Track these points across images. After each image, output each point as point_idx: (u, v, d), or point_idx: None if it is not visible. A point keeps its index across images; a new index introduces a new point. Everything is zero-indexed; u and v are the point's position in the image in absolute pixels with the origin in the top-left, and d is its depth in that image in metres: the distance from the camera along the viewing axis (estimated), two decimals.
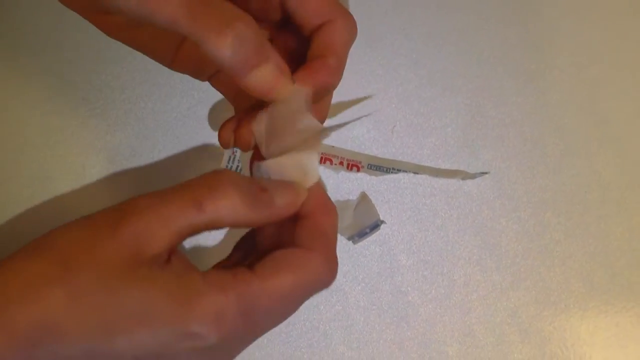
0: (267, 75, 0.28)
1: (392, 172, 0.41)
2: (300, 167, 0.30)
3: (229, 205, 0.26)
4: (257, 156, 0.31)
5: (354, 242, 0.41)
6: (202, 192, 0.26)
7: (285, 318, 0.29)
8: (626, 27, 0.44)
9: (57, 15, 0.41)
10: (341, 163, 0.41)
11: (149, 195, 0.27)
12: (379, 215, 0.41)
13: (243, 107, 0.33)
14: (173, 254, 0.27)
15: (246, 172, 0.34)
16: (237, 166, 0.41)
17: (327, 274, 0.28)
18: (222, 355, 0.27)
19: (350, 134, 0.42)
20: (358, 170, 0.41)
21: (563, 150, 0.42)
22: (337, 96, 0.41)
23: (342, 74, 0.31)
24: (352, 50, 0.31)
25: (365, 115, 0.42)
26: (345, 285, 0.40)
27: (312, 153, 0.29)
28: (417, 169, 0.42)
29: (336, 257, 0.29)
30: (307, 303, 0.39)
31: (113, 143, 0.41)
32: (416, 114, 0.42)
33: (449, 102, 0.42)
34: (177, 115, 0.41)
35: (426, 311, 0.40)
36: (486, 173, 0.42)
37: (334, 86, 0.31)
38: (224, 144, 0.32)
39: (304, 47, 0.31)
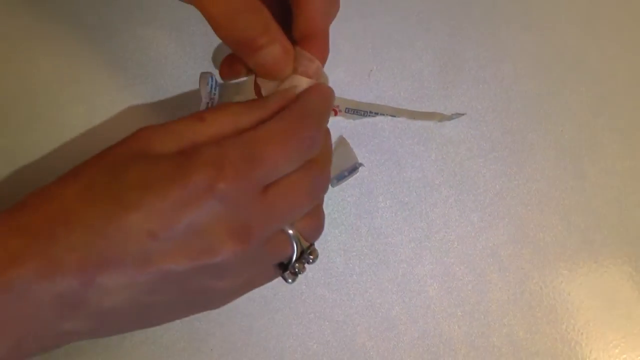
0: (273, 55, 0.31)
1: (369, 116, 0.41)
2: None
3: (228, 113, 0.29)
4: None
5: (333, 185, 0.41)
6: (204, 111, 0.29)
7: (299, 198, 0.29)
8: None
9: None
10: None
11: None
12: (357, 158, 0.41)
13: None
14: None
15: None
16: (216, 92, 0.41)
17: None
18: (237, 205, 0.27)
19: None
20: (336, 114, 0.41)
21: (539, 89, 0.43)
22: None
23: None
24: None
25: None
26: (324, 228, 0.40)
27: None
28: (395, 112, 0.42)
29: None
30: None
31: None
32: (393, 58, 0.42)
33: (425, 45, 0.43)
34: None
35: (405, 252, 0.40)
36: (463, 114, 0.42)
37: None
38: (222, 74, 0.36)
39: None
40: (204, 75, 0.41)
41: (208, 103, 0.41)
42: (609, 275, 0.41)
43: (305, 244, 0.31)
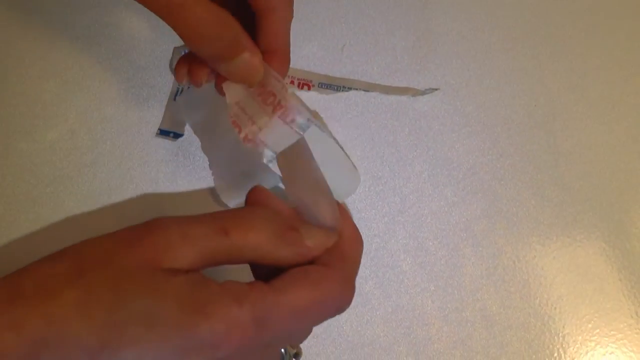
0: (245, 64, 0.30)
1: (343, 91, 0.41)
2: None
3: (255, 237, 0.26)
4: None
5: None
6: (230, 222, 0.26)
7: (299, 335, 0.29)
8: None
9: None
10: (292, 82, 0.41)
11: (179, 217, 0.27)
12: (330, 133, 0.41)
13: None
14: (192, 273, 0.26)
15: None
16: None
17: (342, 294, 0.28)
18: (237, 356, 0.26)
19: (300, 53, 0.42)
20: (309, 89, 0.41)
21: (512, 64, 0.43)
22: None
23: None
24: None
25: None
26: None
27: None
28: (368, 87, 0.42)
29: (354, 283, 0.29)
30: None
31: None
32: (365, 33, 0.42)
33: (399, 20, 0.43)
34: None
35: (379, 226, 0.40)
36: (436, 89, 0.42)
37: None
38: (179, 79, 0.34)
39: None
40: (177, 50, 0.41)
41: None
42: (582, 249, 0.41)
43: (292, 351, 0.30)
